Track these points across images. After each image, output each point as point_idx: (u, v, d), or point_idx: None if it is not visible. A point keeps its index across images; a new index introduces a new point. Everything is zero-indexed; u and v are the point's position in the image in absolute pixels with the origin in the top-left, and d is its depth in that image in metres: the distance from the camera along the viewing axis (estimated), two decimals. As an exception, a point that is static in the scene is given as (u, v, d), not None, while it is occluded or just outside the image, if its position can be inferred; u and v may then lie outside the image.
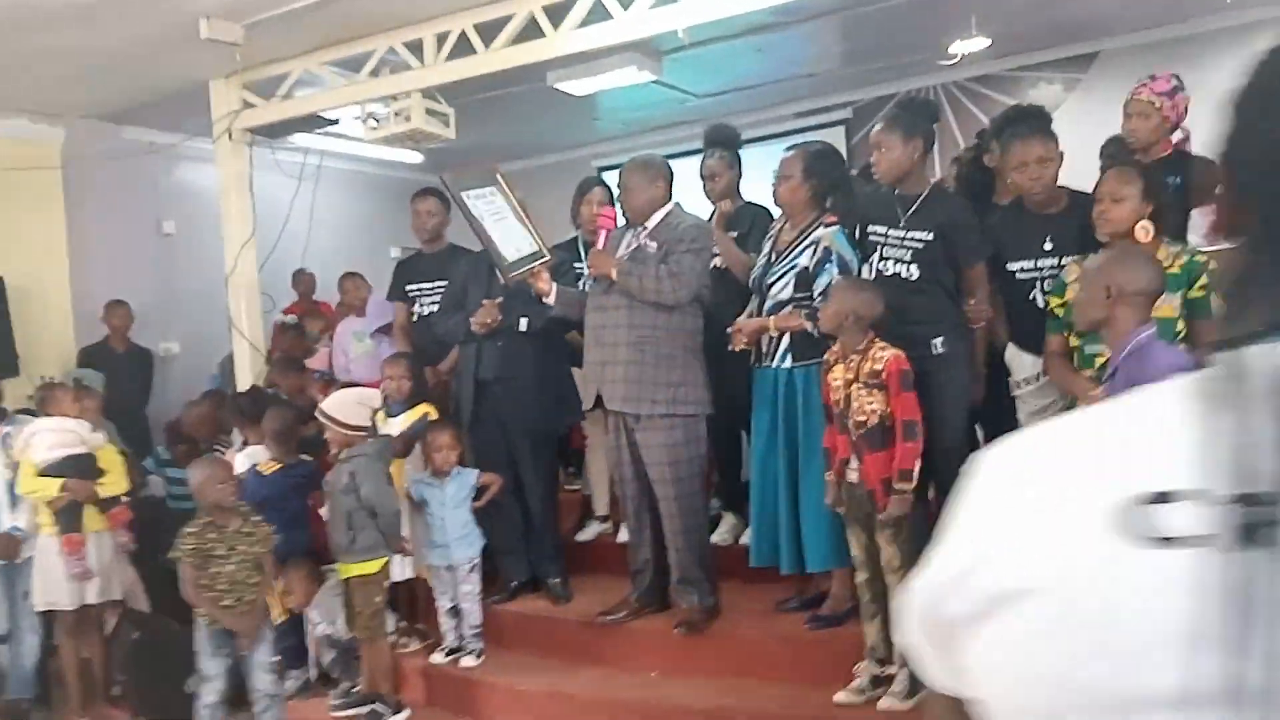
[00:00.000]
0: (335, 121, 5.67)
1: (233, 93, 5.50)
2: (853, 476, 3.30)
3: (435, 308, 4.97)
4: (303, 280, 6.90)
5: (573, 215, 4.92)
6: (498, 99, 6.18)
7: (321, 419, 4.00)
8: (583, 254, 4.69)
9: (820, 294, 3.58)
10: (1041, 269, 3.38)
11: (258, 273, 5.68)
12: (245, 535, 3.70)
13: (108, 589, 4.43)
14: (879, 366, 3.20)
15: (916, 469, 3.14)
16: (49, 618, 4.46)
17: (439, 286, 4.99)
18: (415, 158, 7.76)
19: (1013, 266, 3.45)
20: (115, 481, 4.47)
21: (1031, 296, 3.38)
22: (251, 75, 5.43)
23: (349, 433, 3.94)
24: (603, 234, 3.90)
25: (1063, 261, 3.29)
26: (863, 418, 3.22)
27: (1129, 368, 2.30)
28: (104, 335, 6.27)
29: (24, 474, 4.28)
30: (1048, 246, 3.38)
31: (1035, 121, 3.48)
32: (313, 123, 5.66)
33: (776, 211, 4.21)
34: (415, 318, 5.09)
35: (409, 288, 5.12)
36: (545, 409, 4.39)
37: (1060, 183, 3.45)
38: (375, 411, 4.13)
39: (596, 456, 4.95)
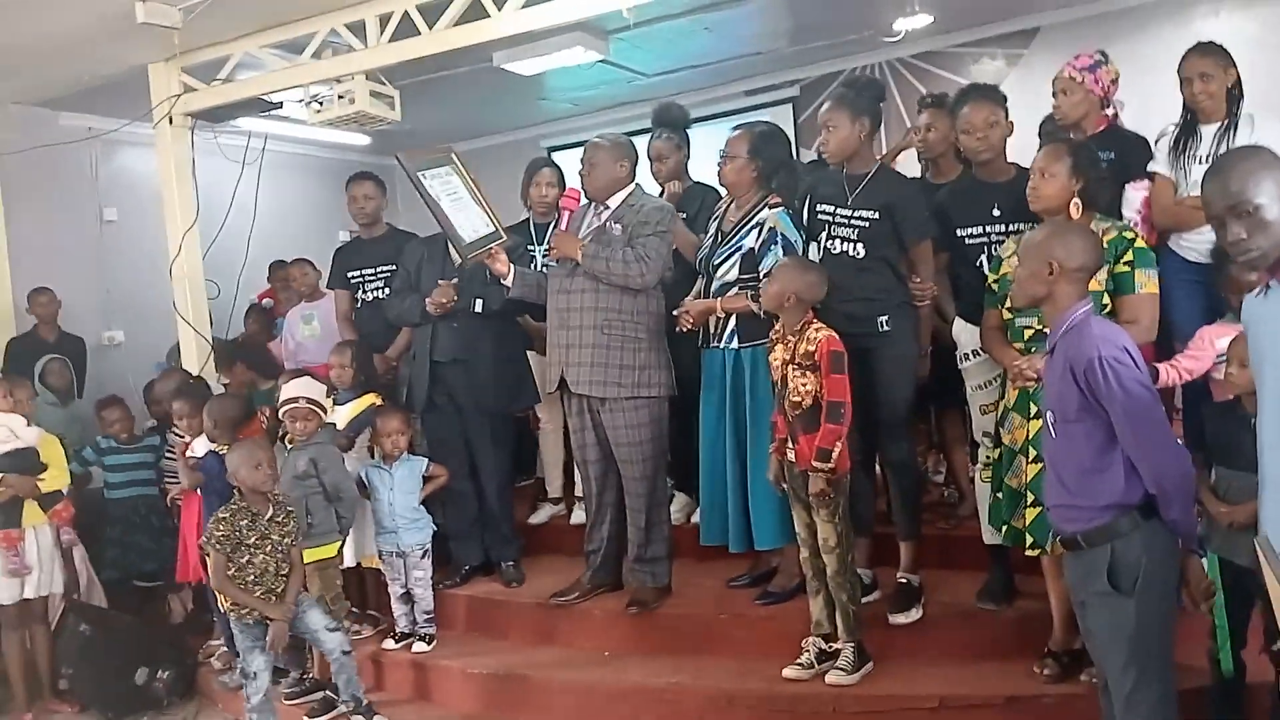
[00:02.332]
0: (278, 105, 5.58)
1: (172, 77, 5.39)
2: (791, 456, 3.34)
3: (379, 293, 4.94)
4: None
5: (522, 197, 4.89)
6: (443, 80, 6.11)
7: (306, 405, 3.95)
8: (533, 236, 4.69)
9: (766, 275, 3.60)
10: (990, 234, 3.44)
11: (202, 260, 5.59)
12: (278, 524, 3.57)
13: (48, 583, 4.36)
14: (812, 348, 3.22)
15: (836, 451, 3.16)
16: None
17: (381, 271, 4.95)
18: (362, 140, 7.68)
19: (962, 233, 3.50)
20: (56, 476, 4.40)
21: (979, 262, 3.43)
22: (191, 59, 5.32)
23: (317, 419, 3.92)
24: (565, 215, 3.88)
25: (1010, 228, 3.34)
26: (798, 398, 3.25)
27: (1067, 344, 2.34)
28: (32, 325, 6.10)
29: (-40, 470, 4.21)
30: (996, 213, 3.43)
31: (984, 90, 3.56)
32: (255, 106, 5.57)
33: (724, 192, 4.23)
34: (359, 304, 5.04)
35: (350, 274, 5.07)
36: (501, 391, 4.38)
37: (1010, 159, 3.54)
38: (326, 398, 4.11)
39: (549, 439, 4.96)
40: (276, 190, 6.68)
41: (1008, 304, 3.04)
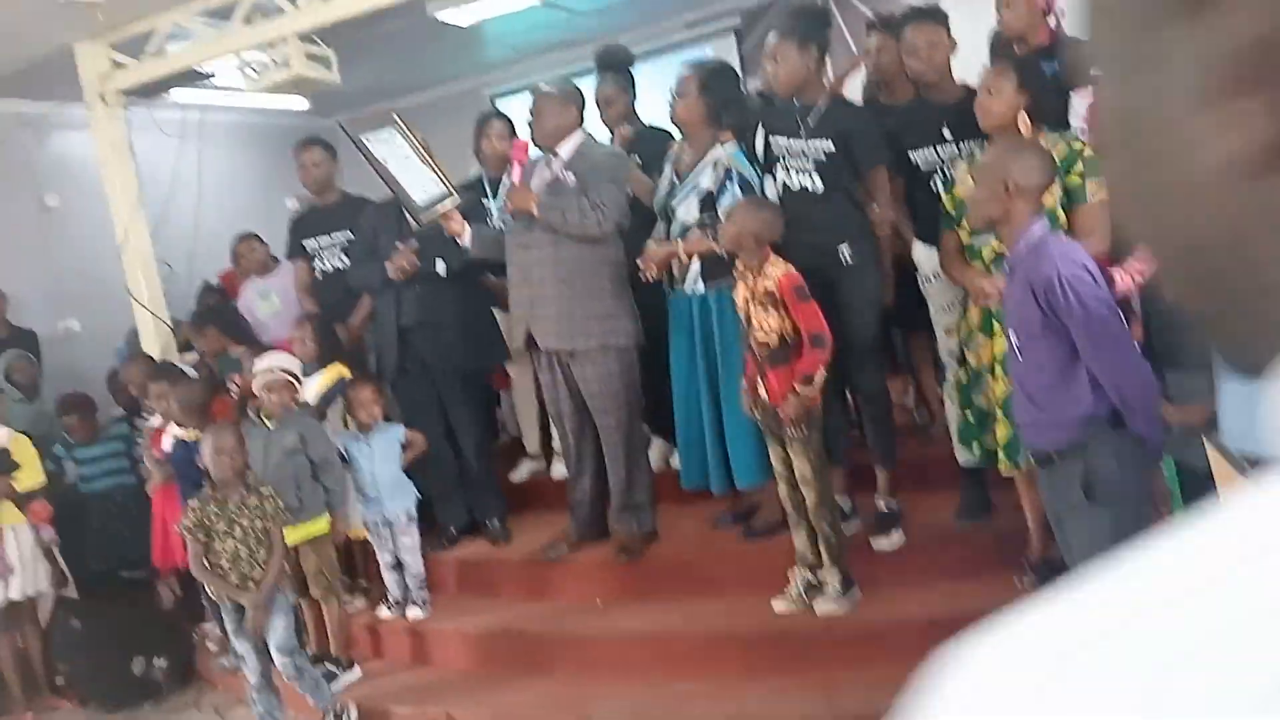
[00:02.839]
0: (211, 75, 5.42)
1: (100, 54, 5.22)
2: (763, 392, 3.36)
3: (339, 261, 4.87)
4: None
5: (475, 151, 4.81)
6: (379, 36, 5.95)
7: (281, 376, 3.90)
8: (487, 190, 4.62)
9: (726, 215, 3.58)
10: (942, 155, 3.45)
11: (151, 240, 5.48)
12: (249, 509, 3.52)
13: (32, 583, 4.35)
14: (771, 284, 3.23)
15: (820, 376, 3.19)
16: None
17: (338, 239, 4.88)
18: (302, 104, 7.48)
19: (915, 157, 3.50)
20: (30, 475, 4.37)
21: (932, 184, 3.44)
22: (118, 34, 5.14)
23: (292, 391, 3.90)
24: (517, 168, 3.83)
25: (961, 148, 3.35)
26: (763, 336, 3.26)
27: (1026, 263, 2.36)
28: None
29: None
30: (946, 134, 3.43)
31: (925, 11, 3.55)
32: (189, 78, 5.41)
33: (676, 133, 4.19)
34: (319, 274, 4.97)
35: (307, 243, 4.99)
36: (471, 350, 4.36)
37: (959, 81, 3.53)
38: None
39: (522, 395, 4.96)
40: (219, 162, 6.54)
41: (965, 225, 3.05)
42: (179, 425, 4.23)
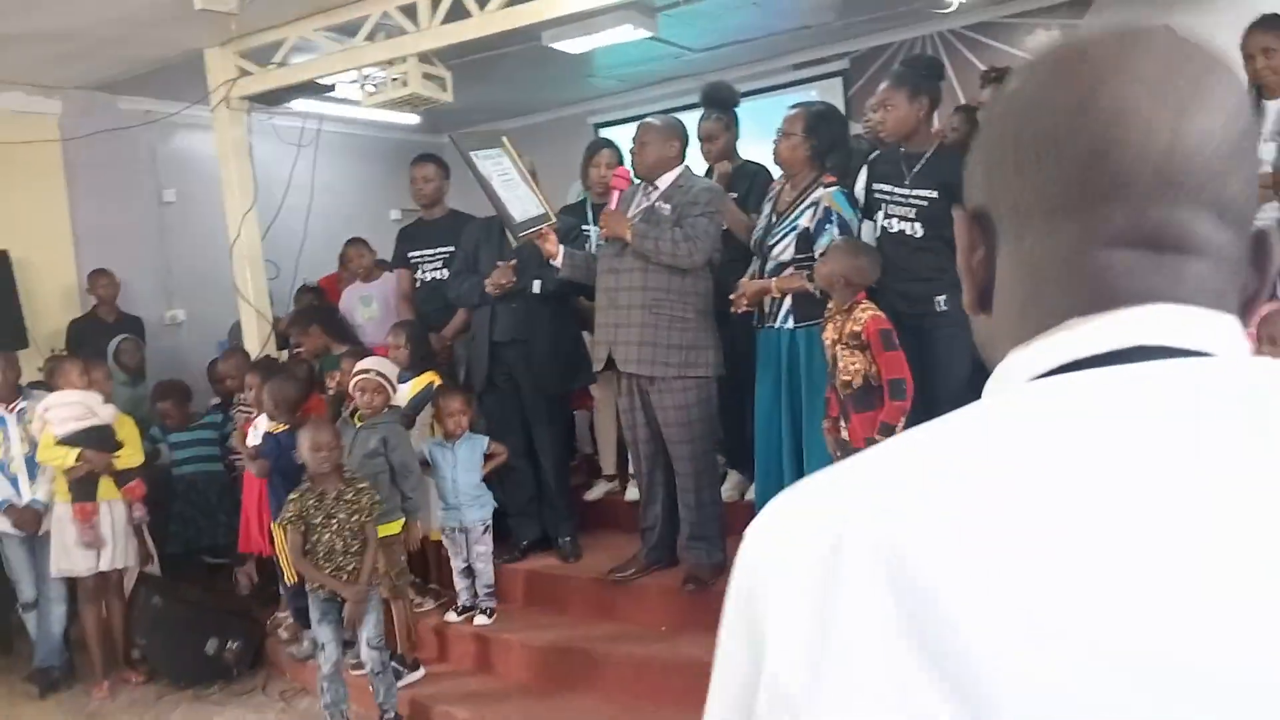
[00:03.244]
0: (332, 88, 5.65)
1: (228, 61, 5.48)
2: (845, 434, 3.36)
3: (438, 273, 5.02)
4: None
5: (582, 177, 4.93)
6: (493, 59, 6.15)
7: (376, 378, 4.03)
8: (590, 216, 4.72)
9: (821, 254, 3.61)
10: None
11: (260, 240, 5.71)
12: (345, 503, 3.65)
13: (122, 557, 4.53)
14: (859, 328, 3.24)
15: (900, 426, 3.18)
16: (72, 586, 4.58)
17: (440, 252, 5.03)
18: (412, 119, 7.73)
19: None
20: (131, 454, 4.56)
21: None
22: (247, 43, 5.41)
23: (385, 395, 4.03)
24: (615, 194, 3.91)
25: None
26: (847, 377, 3.27)
27: None
28: (93, 305, 6.26)
29: (43, 444, 4.38)
30: None
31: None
32: (309, 89, 5.65)
33: (775, 171, 4.24)
34: (418, 284, 5.12)
35: (411, 254, 5.15)
36: (559, 371, 4.45)
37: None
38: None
39: (604, 417, 5.02)
40: (329, 170, 6.76)
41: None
42: (271, 419, 4.39)
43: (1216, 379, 0.54)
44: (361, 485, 3.72)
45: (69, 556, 4.40)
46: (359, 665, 3.87)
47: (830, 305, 3.38)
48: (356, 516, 3.67)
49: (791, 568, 0.54)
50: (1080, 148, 0.58)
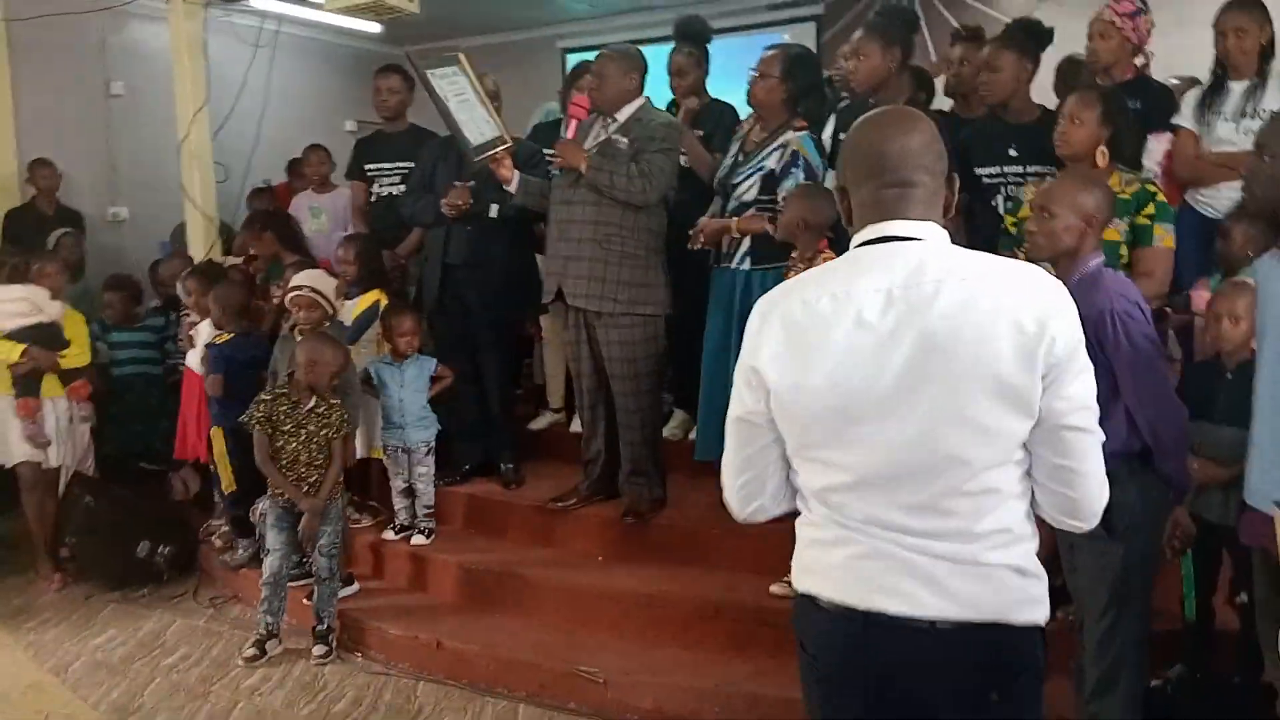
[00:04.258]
0: (295, -12, 5.47)
1: (188, -50, 5.27)
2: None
3: (395, 188, 4.93)
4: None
5: (562, 102, 4.84)
6: (464, -29, 5.99)
7: (309, 294, 4.00)
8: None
9: (784, 197, 3.61)
10: (1006, 175, 3.46)
11: (211, 141, 5.54)
12: (316, 415, 3.69)
13: (60, 455, 4.46)
14: None
15: None
16: (11, 476, 4.50)
17: (399, 167, 4.93)
18: (373, 28, 7.51)
19: (980, 171, 3.51)
20: (78, 354, 4.49)
21: (994, 202, 3.44)
22: (208, -68, 5.20)
23: (321, 310, 3.97)
24: (573, 123, 3.86)
25: (1027, 170, 3.36)
26: None
27: (1079, 293, 2.37)
28: (31, 196, 6.06)
29: (-12, 338, 4.29)
30: (1013, 154, 3.44)
31: (1010, 35, 3.56)
32: (271, -13, 5.47)
33: (743, 111, 4.21)
34: (374, 198, 5.03)
35: (368, 167, 5.05)
36: (511, 297, 4.42)
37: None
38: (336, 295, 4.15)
39: (552, 349, 5.01)
40: (285, 75, 6.56)
41: (1024, 248, 3.06)
42: (217, 326, 4.31)
43: (904, 250, 1.49)
44: (334, 401, 3.73)
45: (7, 446, 4.34)
46: (299, 576, 3.88)
47: (794, 254, 3.39)
48: (325, 431, 3.69)
49: (758, 310, 1.60)
50: (870, 154, 1.54)
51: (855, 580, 1.49)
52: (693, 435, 4.37)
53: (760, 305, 1.58)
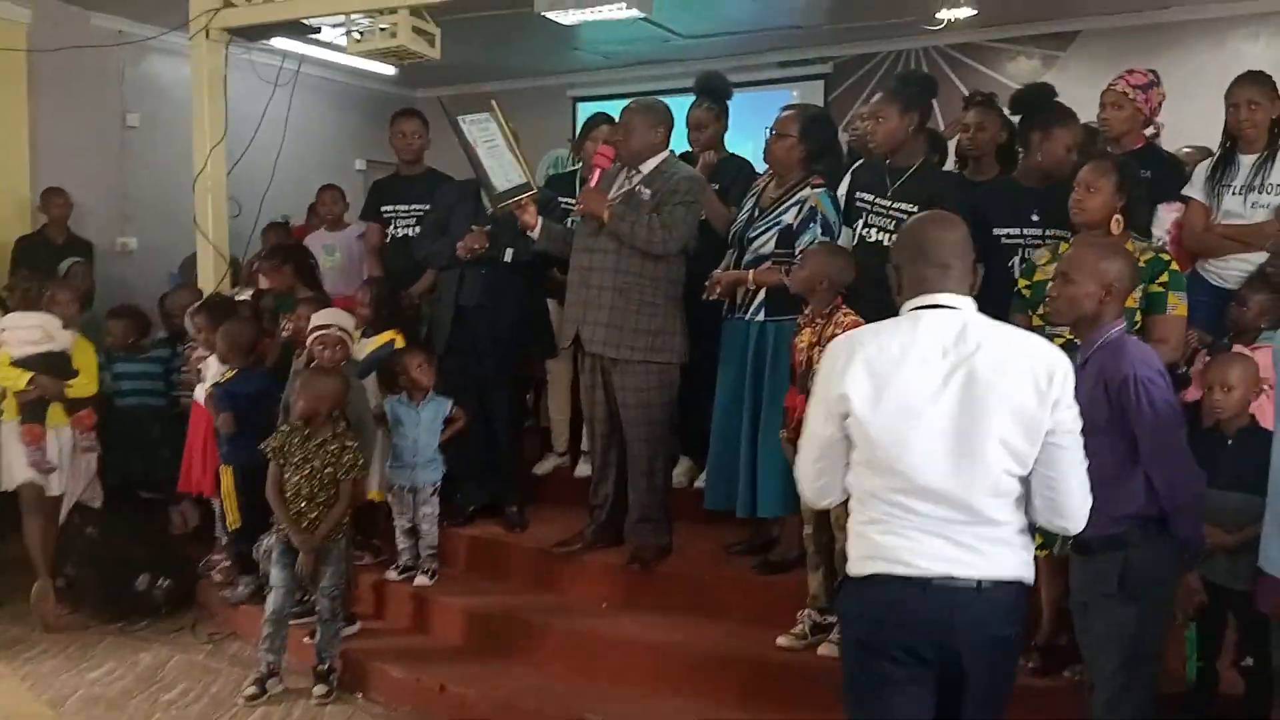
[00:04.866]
0: (317, 30, 5.54)
1: (214, -10, 5.34)
2: (810, 435, 3.42)
3: (410, 230, 4.98)
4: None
5: (575, 149, 4.91)
6: (482, 20, 6.10)
7: (337, 333, 4.02)
8: (578, 190, 4.71)
9: (801, 252, 3.67)
10: (1026, 237, 3.51)
11: (226, 176, 5.59)
12: (325, 452, 3.68)
13: (64, 483, 4.45)
14: (839, 332, 3.29)
15: None
16: (11, 504, 4.49)
17: (415, 209, 4.98)
18: (389, 70, 7.63)
19: (999, 232, 3.56)
20: (85, 384, 4.50)
21: (1010, 264, 3.49)
22: (232, -28, 5.28)
23: (345, 349, 4.02)
24: (597, 172, 3.91)
25: (1047, 234, 3.42)
26: None
27: (1101, 359, 2.43)
28: (42, 224, 6.10)
29: (-3, 363, 4.30)
30: (1034, 218, 3.51)
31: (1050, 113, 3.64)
32: (293, 28, 5.53)
33: (759, 166, 4.28)
34: (388, 239, 5.07)
35: (384, 208, 5.10)
36: (521, 341, 4.46)
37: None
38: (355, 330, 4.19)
39: (557, 393, 5.04)
40: (301, 113, 6.63)
41: (1039, 311, 3.12)
42: (223, 361, 4.33)
43: (950, 315, 2.02)
44: (350, 444, 3.74)
45: (11, 470, 4.37)
46: (300, 614, 3.86)
47: (808, 309, 3.43)
48: (331, 469, 3.68)
49: (838, 350, 2.09)
50: (922, 242, 2.10)
51: (915, 555, 1.98)
52: (698, 483, 4.39)
53: (838, 346, 2.11)
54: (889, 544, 2.00)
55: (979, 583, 1.97)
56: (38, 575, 4.46)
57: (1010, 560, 2.01)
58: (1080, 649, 2.76)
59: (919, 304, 2.04)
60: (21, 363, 4.34)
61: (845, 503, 3.25)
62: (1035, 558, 3.10)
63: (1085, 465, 2.04)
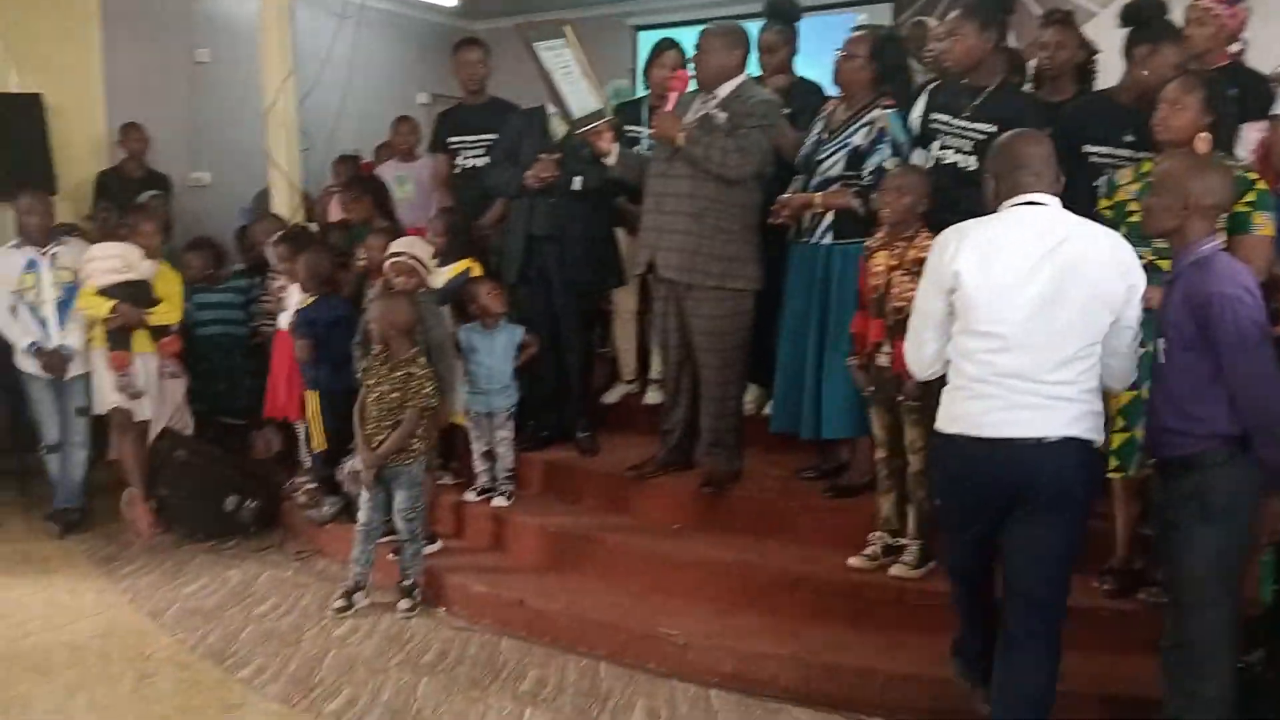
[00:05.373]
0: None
1: (283, -78, 5.38)
2: (883, 360, 3.42)
3: (478, 160, 5.01)
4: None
5: (644, 77, 4.89)
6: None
7: (409, 261, 4.11)
8: (644, 117, 4.71)
9: (870, 173, 3.64)
10: (1116, 157, 3.44)
11: (296, 109, 5.66)
12: (395, 378, 3.81)
13: (155, 410, 4.64)
14: (923, 254, 3.28)
15: None
16: (95, 431, 4.71)
17: (482, 139, 5.01)
18: (450, 1, 7.63)
19: (1091, 149, 3.50)
20: (167, 311, 4.64)
21: (1096, 183, 3.41)
22: (300, -95, 5.30)
23: (419, 277, 4.10)
24: (672, 96, 3.90)
25: (1137, 155, 3.35)
26: (901, 304, 3.32)
27: (1190, 276, 2.41)
28: (121, 159, 6.25)
29: (83, 293, 4.47)
30: (1128, 138, 3.43)
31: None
32: (359, -40, 5.56)
33: (828, 90, 4.24)
34: (457, 169, 5.12)
35: (450, 140, 5.14)
36: (591, 270, 4.49)
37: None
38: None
39: (624, 322, 5.09)
40: (366, 47, 6.69)
41: (1120, 231, 3.08)
42: (304, 290, 4.44)
43: (1042, 210, 2.49)
44: (421, 373, 3.84)
45: (101, 396, 4.58)
46: (386, 533, 4.00)
47: (882, 233, 3.42)
48: (397, 394, 3.79)
49: (950, 237, 2.52)
50: (1018, 154, 2.54)
51: (990, 419, 2.43)
52: (766, 410, 4.43)
53: (948, 235, 2.54)
54: (969, 409, 2.47)
55: (1041, 440, 2.39)
56: (135, 487, 4.69)
57: (1075, 419, 2.41)
58: (1159, 571, 2.78)
59: (1016, 202, 2.49)
60: (105, 292, 4.49)
61: (921, 427, 3.32)
62: (1111, 480, 3.20)
63: (1138, 341, 2.52)
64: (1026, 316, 2.38)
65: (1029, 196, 2.48)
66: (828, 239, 3.79)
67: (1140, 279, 2.44)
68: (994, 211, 2.53)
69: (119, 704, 3.20)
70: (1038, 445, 2.39)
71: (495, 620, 3.80)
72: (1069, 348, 2.39)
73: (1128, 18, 3.67)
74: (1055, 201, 2.50)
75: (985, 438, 2.43)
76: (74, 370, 4.65)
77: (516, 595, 3.79)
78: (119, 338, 4.52)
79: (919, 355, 2.64)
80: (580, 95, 3.95)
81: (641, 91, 5.05)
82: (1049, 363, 2.38)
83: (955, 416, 2.51)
